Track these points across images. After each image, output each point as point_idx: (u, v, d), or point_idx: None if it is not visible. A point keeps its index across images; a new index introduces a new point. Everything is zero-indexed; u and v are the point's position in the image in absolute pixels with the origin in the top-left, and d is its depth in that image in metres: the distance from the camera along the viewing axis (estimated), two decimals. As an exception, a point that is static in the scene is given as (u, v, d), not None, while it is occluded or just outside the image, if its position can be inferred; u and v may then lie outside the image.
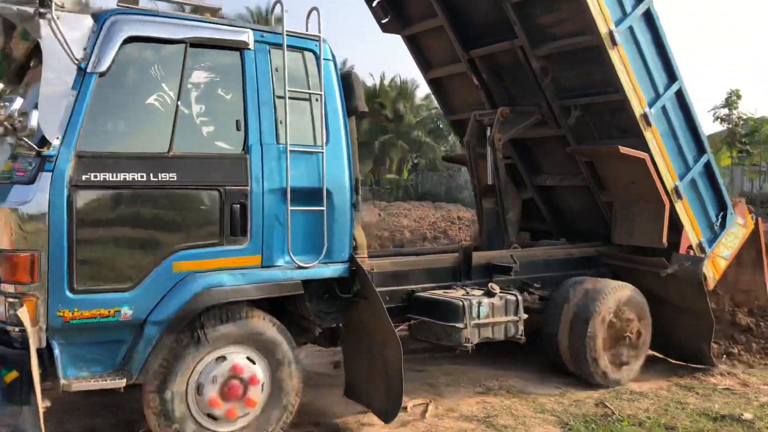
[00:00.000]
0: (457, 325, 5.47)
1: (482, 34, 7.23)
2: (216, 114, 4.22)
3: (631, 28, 6.42)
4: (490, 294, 5.75)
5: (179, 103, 4.07)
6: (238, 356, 4.26)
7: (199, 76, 4.17)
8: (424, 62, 8.17)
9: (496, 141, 7.12)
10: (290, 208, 4.36)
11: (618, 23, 6.29)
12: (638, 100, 6.50)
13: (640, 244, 7.01)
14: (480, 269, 6.41)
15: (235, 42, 4.29)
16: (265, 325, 4.37)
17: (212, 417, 4.20)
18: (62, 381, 3.78)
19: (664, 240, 6.69)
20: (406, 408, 5.48)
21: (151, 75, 4.01)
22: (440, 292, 5.83)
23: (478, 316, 5.58)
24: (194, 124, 4.14)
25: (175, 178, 4.02)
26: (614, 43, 6.19)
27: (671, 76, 6.82)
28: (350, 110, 4.84)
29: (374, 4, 7.59)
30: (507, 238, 7.23)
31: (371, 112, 44.06)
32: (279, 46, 4.45)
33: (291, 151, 4.39)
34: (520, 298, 5.86)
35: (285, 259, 4.41)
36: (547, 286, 6.76)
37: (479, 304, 5.59)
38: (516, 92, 7.60)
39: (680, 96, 6.91)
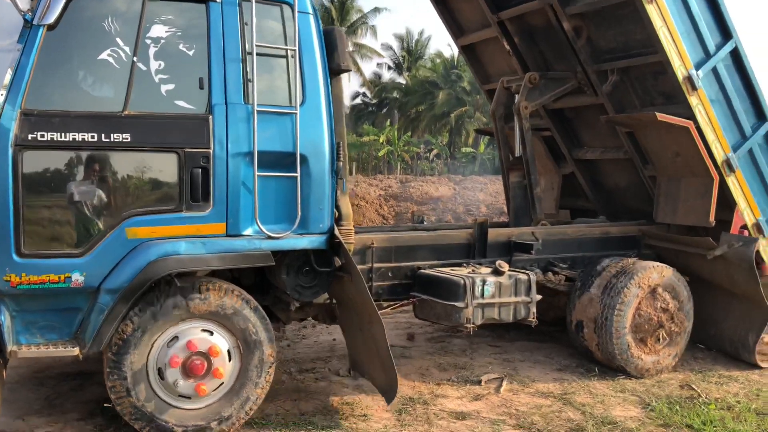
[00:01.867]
0: (457, 304, 5.06)
1: None
2: (177, 71, 3.95)
3: None
4: (497, 272, 5.28)
5: (135, 59, 3.84)
6: (198, 330, 4.05)
7: (158, 30, 3.91)
8: (455, 27, 7.65)
9: (522, 109, 6.55)
10: (257, 173, 4.07)
11: None
12: (681, 61, 5.76)
13: (685, 222, 6.30)
14: (498, 247, 5.93)
15: None
16: (231, 298, 4.12)
17: (174, 390, 4.01)
18: (10, 348, 3.68)
19: (712, 218, 5.96)
20: (480, 382, 5.53)
21: (105, 29, 3.79)
22: (447, 269, 5.41)
23: (482, 296, 5.14)
24: (152, 81, 3.89)
25: (129, 139, 3.80)
26: None
27: (725, 33, 6.03)
28: (333, 69, 4.48)
29: None
30: (534, 214, 6.68)
31: (448, 83, 43.41)
32: (250, -2, 4.13)
33: (259, 111, 4.08)
34: (532, 277, 5.36)
35: (254, 229, 4.13)
36: (578, 267, 6.21)
37: (483, 282, 5.14)
38: (550, 57, 6.99)
39: (736, 56, 6.10)
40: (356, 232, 6.02)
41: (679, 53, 5.74)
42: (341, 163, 4.45)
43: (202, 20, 4.02)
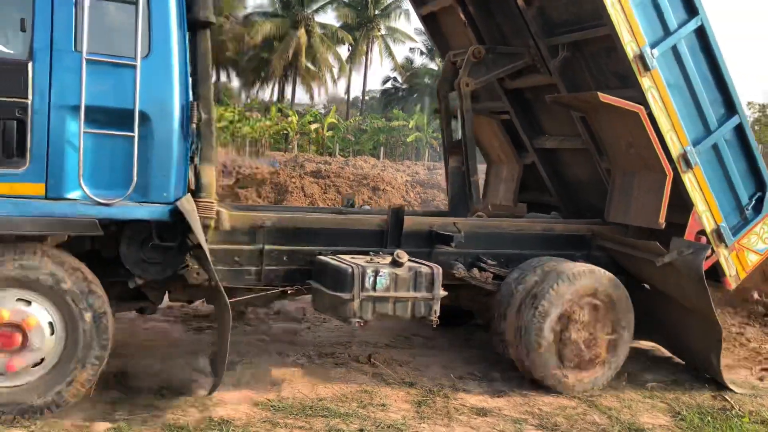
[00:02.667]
0: (343, 295, 4.53)
1: None
2: None
3: None
4: (395, 263, 4.71)
5: None
6: (12, 299, 3.63)
7: None
8: None
9: (463, 86, 5.94)
10: (83, 130, 3.62)
11: None
12: (632, 36, 5.05)
13: (634, 223, 5.61)
14: (417, 237, 5.35)
15: None
16: (52, 266, 3.69)
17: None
18: None
19: (661, 219, 5.27)
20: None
21: None
22: (347, 257, 4.87)
23: (374, 288, 4.59)
24: None
25: None
26: None
27: (690, 8, 5.29)
28: (195, 21, 3.99)
29: None
30: (471, 203, 6.07)
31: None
32: (92, -68, 3.67)
33: (90, 61, 3.62)
34: (436, 271, 4.77)
35: (81, 193, 3.68)
36: (514, 265, 5.58)
37: (376, 273, 4.59)
38: (508, 31, 6.35)
39: (702, 36, 5.36)
40: (249, 210, 5.58)
41: (630, 27, 5.03)
42: (195, 125, 3.97)
43: None
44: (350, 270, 4.53)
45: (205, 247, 3.88)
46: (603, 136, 5.76)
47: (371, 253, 5.02)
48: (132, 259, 4.04)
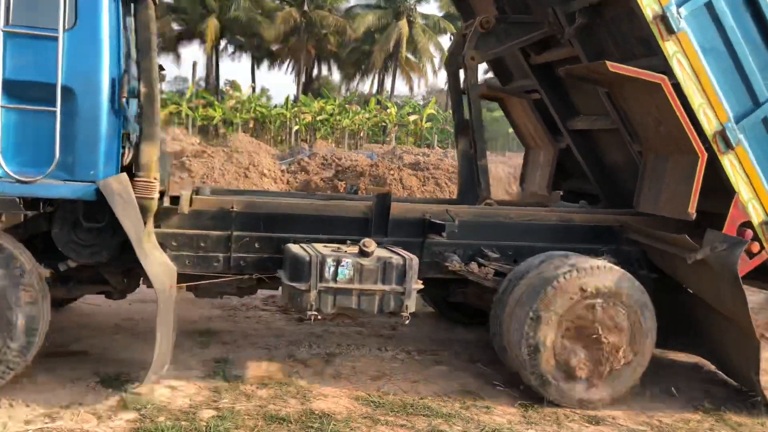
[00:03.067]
0: (298, 285, 4.17)
1: None
2: None
3: None
4: (363, 253, 4.28)
5: None
6: None
7: None
8: None
9: (469, 60, 5.36)
10: (1, 104, 3.49)
11: None
12: None
13: (663, 213, 4.84)
14: (406, 225, 4.90)
15: None
16: None
17: None
18: None
19: (691, 209, 4.50)
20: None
21: None
22: (318, 245, 4.50)
23: (334, 279, 4.20)
24: None
25: None
26: None
27: None
28: None
29: None
30: (479, 190, 5.49)
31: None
32: None
33: (7, 33, 3.48)
34: (410, 262, 4.30)
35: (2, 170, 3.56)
36: (522, 260, 4.98)
37: (337, 263, 4.19)
38: (531, 2, 5.68)
39: None
40: (217, 193, 5.31)
41: None
42: (125, 99, 3.75)
43: None
44: (308, 258, 4.16)
45: (127, 228, 3.65)
46: (629, 114, 5.01)
47: (349, 242, 4.63)
48: (63, 240, 3.89)
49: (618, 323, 4.47)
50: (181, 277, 4.56)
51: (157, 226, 4.44)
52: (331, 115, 37.51)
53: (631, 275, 4.59)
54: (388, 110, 39.28)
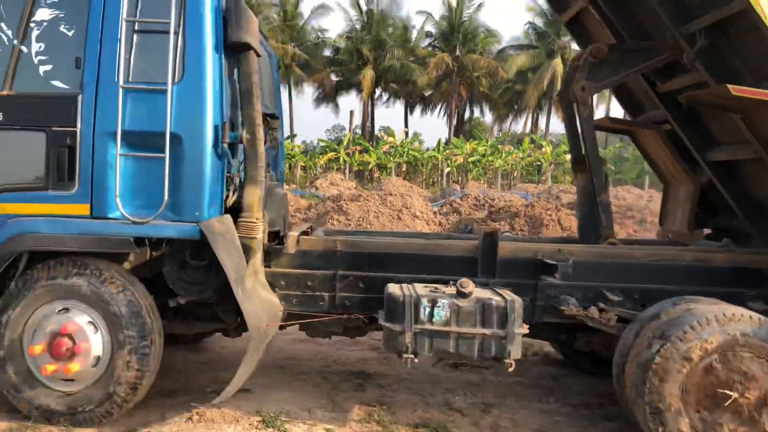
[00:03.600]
0: (394, 327, 4.10)
1: None
2: (56, 52, 3.96)
3: None
4: (460, 293, 4.13)
5: (16, 41, 3.95)
6: (60, 311, 3.98)
7: (43, 14, 3.97)
8: (558, 3, 6.31)
9: (579, 91, 5.06)
10: (119, 153, 3.85)
11: None
12: None
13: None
14: (516, 265, 4.68)
15: None
16: (82, 279, 3.97)
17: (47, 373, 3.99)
18: None
19: None
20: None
21: (-9, 14, 3.98)
22: (419, 285, 4.43)
23: (430, 320, 4.08)
24: (32, 63, 3.96)
25: (1, 118, 3.92)
26: None
27: None
28: (233, 44, 4.03)
29: None
30: (601, 228, 5.10)
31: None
32: (138, -27, 3.95)
33: (127, 89, 3.86)
34: (512, 304, 4.07)
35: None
36: (651, 304, 4.56)
37: (433, 303, 4.08)
38: (650, 26, 5.29)
39: None
40: (327, 234, 5.38)
41: None
42: (226, 145, 3.98)
43: (85, 0, 3.96)
44: (401, 298, 4.09)
45: (226, 266, 3.82)
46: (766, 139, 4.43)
47: (451, 282, 4.49)
48: (173, 278, 4.16)
49: (757, 373, 3.88)
50: (293, 317, 4.72)
51: (267, 265, 4.64)
52: (483, 155, 37.40)
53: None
54: (543, 149, 38.41)
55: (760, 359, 3.89)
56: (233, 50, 4.09)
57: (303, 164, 38.77)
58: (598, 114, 6.71)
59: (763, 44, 4.07)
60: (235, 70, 4.19)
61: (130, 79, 3.90)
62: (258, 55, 4.27)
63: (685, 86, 5.21)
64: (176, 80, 3.90)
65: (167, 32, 3.88)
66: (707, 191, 5.88)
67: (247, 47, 4.06)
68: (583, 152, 5.30)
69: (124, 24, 3.88)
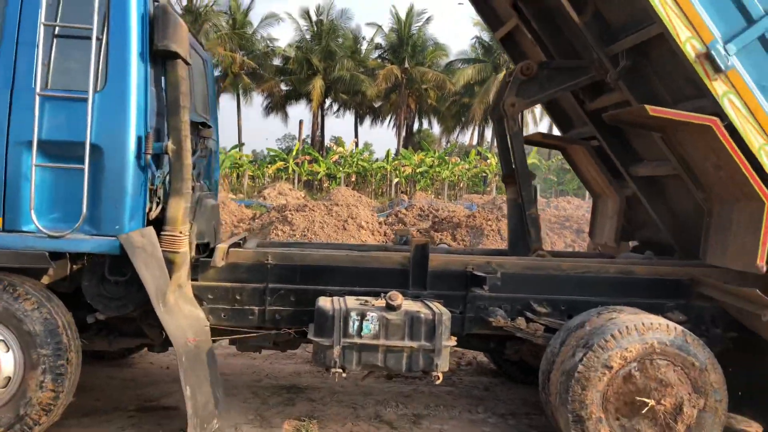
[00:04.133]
0: (322, 341, 4.06)
1: None
2: None
3: None
4: (389, 306, 4.13)
5: None
6: None
7: None
8: (492, 18, 6.41)
9: (508, 107, 5.17)
10: (35, 163, 3.70)
11: None
12: (692, 30, 4.00)
13: (731, 266, 4.37)
14: (447, 277, 4.71)
15: None
16: (0, 298, 3.78)
17: None
18: None
19: (759, 261, 4.04)
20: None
21: None
22: (350, 298, 4.40)
23: (359, 334, 4.06)
24: None
25: None
26: None
27: None
28: (159, 51, 3.94)
29: None
30: (530, 241, 5.20)
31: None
32: (58, -25, 3.83)
33: (43, 96, 3.72)
34: (440, 316, 4.09)
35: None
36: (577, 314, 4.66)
37: (362, 317, 4.06)
38: (579, 46, 5.46)
39: None
40: (260, 246, 5.32)
41: (689, 20, 3.99)
42: (150, 156, 3.88)
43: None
44: (330, 312, 4.06)
45: (146, 282, 3.72)
46: (687, 159, 4.63)
47: (382, 294, 4.48)
48: (91, 293, 4.02)
49: (681, 386, 4.00)
50: (221, 332, 4.62)
51: (195, 278, 4.54)
52: (431, 167, 37.78)
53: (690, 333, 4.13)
54: (489, 160, 39.01)
55: (676, 367, 4.02)
56: (160, 58, 3.99)
57: (251, 173, 38.35)
58: (543, 126, 6.88)
59: (680, 67, 4.22)
60: (162, 78, 4.09)
61: (49, 86, 3.77)
62: (187, 64, 4.19)
63: (611, 104, 5.38)
64: (98, 88, 3.78)
65: (89, 38, 3.76)
66: (633, 205, 6.07)
67: (174, 55, 3.97)
68: (513, 166, 5.39)
69: (42, 28, 3.74)
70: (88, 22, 3.75)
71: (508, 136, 5.30)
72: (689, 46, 3.99)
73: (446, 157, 39.18)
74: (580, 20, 4.81)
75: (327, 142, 46.82)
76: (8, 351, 3.79)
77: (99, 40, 3.78)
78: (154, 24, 3.93)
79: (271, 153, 41.47)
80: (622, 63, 4.73)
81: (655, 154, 5.37)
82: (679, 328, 4.13)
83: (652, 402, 3.97)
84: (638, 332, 4.04)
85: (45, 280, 4.09)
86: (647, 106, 4.08)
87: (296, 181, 37.07)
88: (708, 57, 3.97)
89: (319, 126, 47.57)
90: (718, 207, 4.57)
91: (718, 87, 4.01)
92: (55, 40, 3.81)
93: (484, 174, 39.32)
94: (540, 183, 38.14)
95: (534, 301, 4.70)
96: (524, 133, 5.76)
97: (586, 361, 4.01)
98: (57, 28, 3.81)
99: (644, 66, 4.69)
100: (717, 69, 3.98)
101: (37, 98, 3.71)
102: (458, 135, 49.51)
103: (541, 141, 6.78)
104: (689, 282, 4.71)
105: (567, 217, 17.57)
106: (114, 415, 4.61)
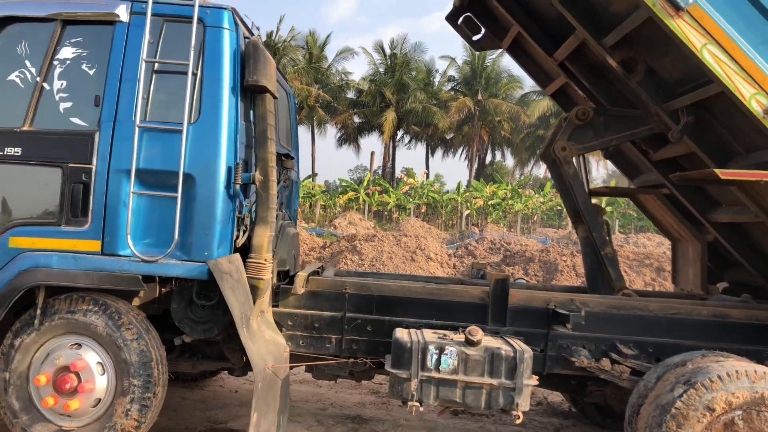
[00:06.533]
0: (400, 373, 4.03)
1: (559, 32, 5.22)
2: (77, 90, 4.04)
3: None
4: (468, 342, 4.06)
5: (39, 78, 4.04)
6: (72, 346, 3.98)
7: (66, 52, 4.08)
8: (540, 75, 6.30)
9: (559, 151, 5.07)
10: (132, 191, 3.89)
11: None
12: (757, 86, 3.78)
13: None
14: (528, 313, 4.62)
15: (107, 15, 4.07)
16: (100, 319, 3.96)
17: (47, 406, 3.97)
18: None
19: None
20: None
21: (17, 52, 4.08)
22: (428, 331, 4.37)
23: (437, 368, 4.01)
24: (53, 100, 4.04)
25: (20, 153, 3.99)
26: (676, 7, 3.75)
27: None
28: (249, 86, 4.09)
29: (459, 22, 5.88)
30: (611, 280, 5.01)
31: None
32: (162, 16, 4.05)
33: (143, 128, 3.93)
34: (521, 354, 3.99)
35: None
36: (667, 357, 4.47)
37: (440, 351, 4.02)
38: (635, 100, 5.27)
39: None
40: (337, 275, 5.34)
41: (749, 74, 3.77)
42: (238, 186, 4.01)
43: (107, 40, 4.06)
44: (408, 345, 4.03)
45: (232, 307, 3.81)
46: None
47: (460, 329, 4.43)
48: (179, 316, 4.15)
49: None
50: (299, 358, 4.67)
51: (275, 305, 4.62)
52: (503, 199, 37.33)
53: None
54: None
55: None
56: (250, 92, 4.15)
57: (323, 203, 38.99)
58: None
59: (749, 121, 3.99)
60: (251, 112, 4.24)
61: (147, 119, 3.97)
62: (275, 97, 4.33)
63: (677, 155, 5.17)
64: (192, 121, 3.96)
65: (185, 73, 3.96)
66: (717, 246, 5.77)
67: (264, 90, 4.12)
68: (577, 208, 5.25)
69: (143, 64, 3.96)
70: (185, 58, 3.96)
71: (567, 179, 5.17)
72: (755, 102, 3.79)
73: (519, 190, 38.65)
74: (632, 79, 4.68)
75: (398, 173, 47.16)
76: (104, 374, 3.96)
77: (194, 75, 3.98)
78: (245, 60, 4.10)
79: (343, 183, 42.10)
80: (683, 119, 4.55)
81: (734, 200, 5.09)
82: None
83: None
84: (749, 379, 3.83)
85: (135, 302, 4.27)
86: (718, 171, 3.94)
87: (366, 211, 37.40)
88: None
89: (390, 157, 47.99)
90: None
91: (787, 141, 3.78)
92: (154, 76, 4.03)
93: (559, 207, 38.52)
94: (619, 218, 37.10)
95: (619, 342, 4.54)
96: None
97: (686, 398, 3.83)
98: (156, 65, 4.02)
99: (708, 120, 4.50)
100: None
101: (137, 129, 3.91)
102: (533, 167, 48.91)
103: (609, 193, 6.65)
104: (791, 327, 4.44)
105: (647, 254, 16.98)
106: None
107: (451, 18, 5.91)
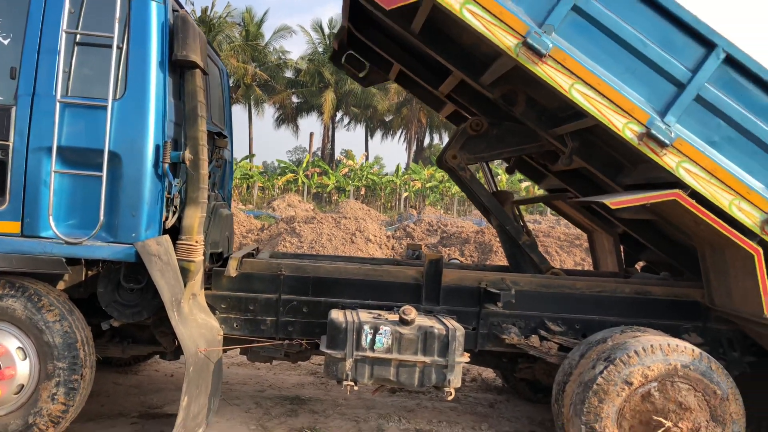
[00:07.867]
0: (335, 353, 4.03)
1: (441, 65, 5.15)
2: None
3: (576, 8, 3.83)
4: (403, 321, 4.09)
5: None
6: None
7: None
8: (432, 101, 6.37)
9: (450, 159, 5.16)
10: (54, 170, 3.72)
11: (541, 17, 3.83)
12: (628, 116, 3.87)
13: (740, 312, 4.30)
14: (460, 293, 4.69)
15: None
16: (18, 302, 3.79)
17: None
18: None
19: (767, 311, 3.96)
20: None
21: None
22: (363, 311, 4.38)
23: (371, 348, 4.03)
24: None
25: None
26: (538, 54, 3.80)
27: (704, 42, 3.87)
28: (175, 60, 3.95)
29: (343, 61, 5.79)
30: (536, 265, 5.12)
31: None
32: (83, -16, 3.85)
33: (64, 103, 3.75)
34: (453, 332, 4.05)
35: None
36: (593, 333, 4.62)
37: (375, 330, 4.03)
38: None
39: (734, 64, 3.88)
40: (273, 257, 5.30)
41: (618, 105, 3.87)
42: (167, 165, 3.88)
43: (23, 7, 3.84)
44: (343, 325, 4.04)
45: (162, 290, 3.71)
46: (668, 218, 4.54)
47: (395, 309, 4.46)
48: (106, 300, 4.02)
49: (697, 409, 3.94)
50: (233, 341, 4.60)
51: (208, 287, 4.53)
52: (441, 182, 37.77)
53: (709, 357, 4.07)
54: (499, 176, 38.97)
55: (697, 392, 3.96)
56: (178, 67, 4.01)
57: (261, 185, 38.48)
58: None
59: (630, 146, 4.04)
60: (180, 88, 4.11)
61: (69, 93, 3.79)
62: (205, 73, 4.21)
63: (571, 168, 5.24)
64: (117, 96, 3.80)
65: (110, 46, 3.78)
66: (630, 235, 5.95)
67: (193, 65, 3.99)
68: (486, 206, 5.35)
69: (64, 35, 3.76)
70: (109, 30, 3.78)
71: (466, 184, 5.27)
72: (629, 131, 3.88)
73: (456, 172, 39.13)
74: (515, 111, 4.79)
75: (337, 155, 47.02)
76: (25, 359, 3.79)
77: (119, 48, 3.81)
78: (174, 34, 3.95)
79: (281, 165, 41.62)
80: (570, 144, 4.65)
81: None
82: (705, 353, 4.08)
83: (669, 423, 3.92)
84: (663, 352, 4.00)
85: (60, 285, 4.10)
86: (608, 201, 4.05)
87: (305, 193, 37.15)
88: (650, 136, 3.84)
89: (329, 139, 47.76)
90: (710, 251, 4.44)
91: (669, 160, 3.88)
92: (76, 48, 3.84)
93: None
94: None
95: (548, 319, 4.67)
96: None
97: (606, 374, 3.98)
98: (78, 36, 3.83)
99: (593, 142, 4.62)
100: (662, 144, 3.85)
101: (58, 105, 3.73)
102: (469, 150, 49.49)
103: (526, 201, 6.90)
104: (703, 304, 4.65)
105: (577, 235, 17.55)
106: (118, 421, 4.62)
107: (334, 58, 5.84)
